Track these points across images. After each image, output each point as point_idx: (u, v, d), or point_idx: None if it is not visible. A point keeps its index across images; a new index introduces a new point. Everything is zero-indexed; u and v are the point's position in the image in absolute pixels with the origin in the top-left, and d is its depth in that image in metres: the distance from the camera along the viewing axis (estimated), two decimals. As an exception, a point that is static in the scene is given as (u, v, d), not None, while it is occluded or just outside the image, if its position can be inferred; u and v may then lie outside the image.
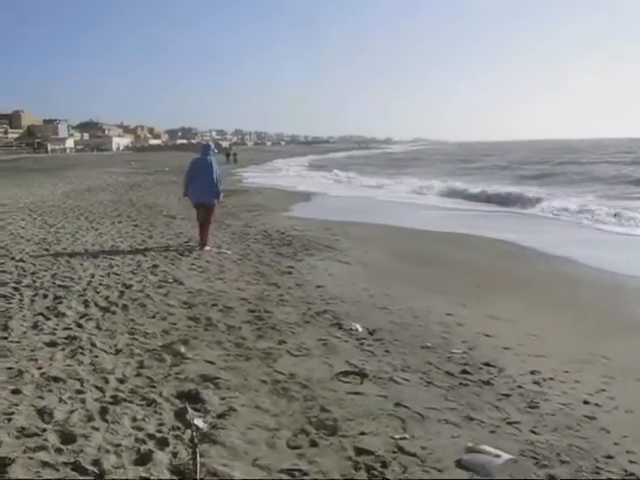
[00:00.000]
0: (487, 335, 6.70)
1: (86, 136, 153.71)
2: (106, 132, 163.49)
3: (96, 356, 5.43)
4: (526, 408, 4.76)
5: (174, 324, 6.56)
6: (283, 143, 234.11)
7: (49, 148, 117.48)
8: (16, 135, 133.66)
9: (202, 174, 11.62)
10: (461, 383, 5.22)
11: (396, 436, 4.15)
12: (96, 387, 4.71)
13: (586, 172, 43.67)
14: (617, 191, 27.38)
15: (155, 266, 9.69)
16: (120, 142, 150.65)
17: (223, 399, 4.62)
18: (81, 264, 9.73)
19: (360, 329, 6.66)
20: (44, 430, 3.91)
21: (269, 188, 30.53)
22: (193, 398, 4.59)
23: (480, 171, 49.99)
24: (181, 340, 5.98)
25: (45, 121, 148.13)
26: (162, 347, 5.75)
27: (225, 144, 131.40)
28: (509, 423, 4.47)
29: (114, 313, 6.91)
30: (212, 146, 12.60)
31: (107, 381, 4.84)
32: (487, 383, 5.24)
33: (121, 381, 4.87)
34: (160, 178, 36.34)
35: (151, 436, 3.94)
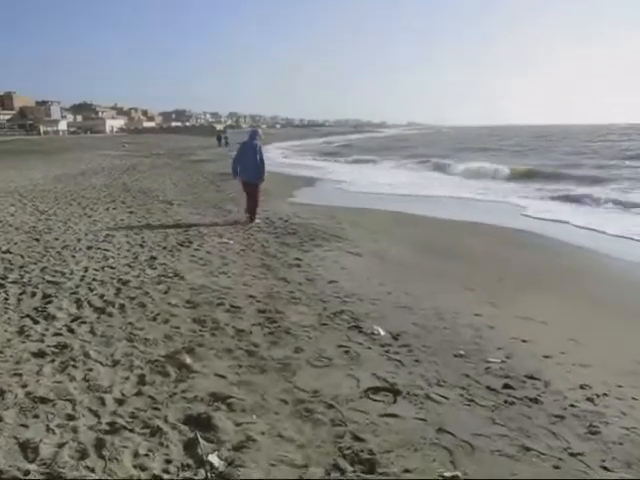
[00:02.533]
0: (523, 340, 6.03)
1: (79, 118, 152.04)
2: (100, 114, 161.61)
3: (90, 369, 4.75)
4: (586, 434, 4.11)
5: (177, 328, 5.89)
6: (278, 126, 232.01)
7: (42, 130, 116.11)
8: (8, 117, 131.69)
9: (248, 156, 12.93)
10: (506, 401, 4.56)
11: (446, 474, 3.51)
12: (90, 411, 4.04)
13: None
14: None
15: (153, 258, 9.00)
16: (114, 124, 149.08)
17: (239, 425, 3.96)
18: (73, 256, 9.03)
19: (382, 332, 6.00)
20: (27, 473, 3.25)
21: (270, 172, 29.72)
22: (204, 424, 3.93)
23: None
24: (186, 348, 5.31)
25: (38, 102, 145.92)
26: (165, 357, 5.07)
27: (219, 127, 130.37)
28: (572, 455, 3.82)
29: (110, 315, 6.22)
30: (259, 132, 13.89)
31: (103, 402, 4.18)
32: (535, 401, 4.58)
33: (120, 402, 4.20)
34: (155, 161, 35.56)
35: (157, 479, 3.28)
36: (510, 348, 5.78)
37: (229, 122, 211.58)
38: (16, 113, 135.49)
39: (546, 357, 5.61)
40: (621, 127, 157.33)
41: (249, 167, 12.92)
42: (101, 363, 4.89)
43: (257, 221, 12.84)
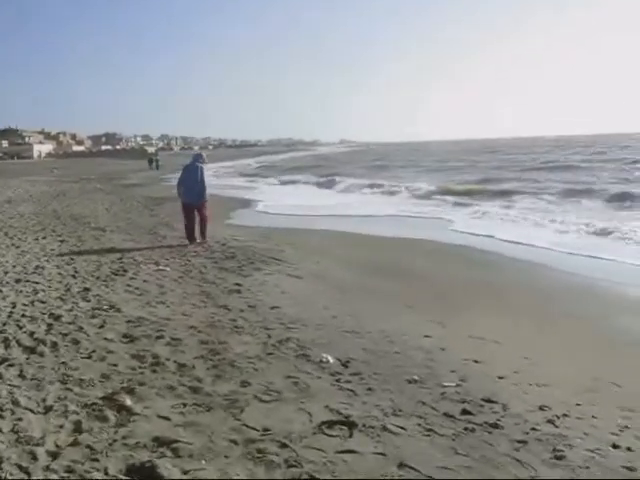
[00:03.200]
0: (476, 361, 5.92)
1: (5, 143, 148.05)
2: (26, 139, 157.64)
3: (19, 419, 4.34)
4: (552, 459, 3.95)
5: (115, 365, 5.52)
6: (210, 147, 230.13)
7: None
8: None
9: (191, 178, 13.13)
10: (466, 428, 4.39)
11: (412, 515, 3.30)
12: (20, 468, 3.66)
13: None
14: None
15: (87, 289, 8.57)
16: (42, 149, 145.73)
17: (186, 472, 3.66)
18: (0, 291, 8.52)
19: (331, 360, 5.78)
20: None
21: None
22: (148, 474, 3.62)
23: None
24: (125, 388, 4.96)
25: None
26: (103, 399, 4.71)
27: (151, 149, 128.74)
28: (541, 483, 3.67)
29: (41, 354, 5.79)
30: (204, 155, 14.16)
31: (35, 456, 3.79)
32: (495, 426, 4.42)
33: (53, 455, 3.82)
34: (86, 186, 34.68)
35: None
36: (464, 370, 5.65)
37: (160, 144, 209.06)
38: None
39: (501, 378, 5.50)
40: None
41: (192, 189, 13.11)
42: (32, 410, 4.49)
43: (207, 240, 13.05)
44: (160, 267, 10.31)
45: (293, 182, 40.26)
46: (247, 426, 4.32)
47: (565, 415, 4.67)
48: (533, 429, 4.40)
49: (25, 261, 10.90)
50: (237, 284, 9.06)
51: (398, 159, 74.06)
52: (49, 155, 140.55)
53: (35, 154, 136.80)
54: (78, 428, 4.21)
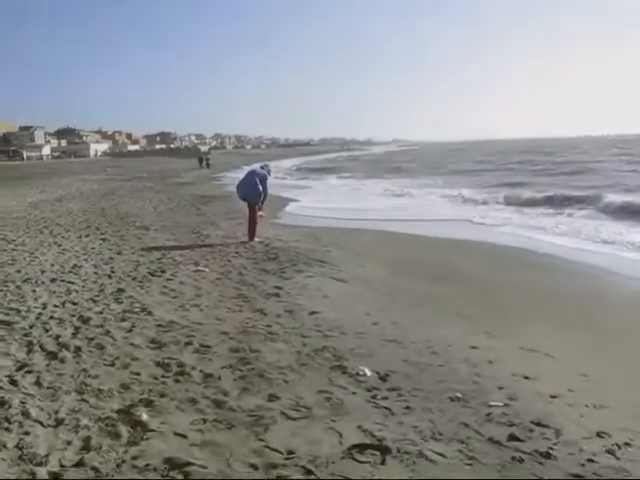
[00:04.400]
0: (526, 377, 5.41)
1: (63, 143, 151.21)
2: (84, 138, 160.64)
3: (27, 432, 4.05)
4: (612, 500, 3.48)
5: (137, 374, 5.21)
6: (263, 146, 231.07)
7: (25, 155, 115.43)
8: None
9: (249, 178, 13.60)
10: (514, 457, 3.91)
11: None
12: (16, 492, 3.35)
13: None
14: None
15: (120, 290, 8.33)
16: (98, 148, 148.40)
17: (196, 502, 3.29)
18: (34, 290, 8.33)
19: (369, 373, 5.35)
20: None
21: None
22: (154, 503, 3.26)
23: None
24: (144, 400, 4.63)
25: (21, 128, 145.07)
26: (118, 413, 4.39)
27: (204, 148, 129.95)
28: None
29: (63, 361, 5.52)
30: (270, 168, 14.39)
31: (34, 478, 3.49)
32: (547, 456, 3.94)
33: (55, 477, 3.51)
34: (136, 185, 34.82)
35: None
36: (513, 387, 5.15)
37: (214, 143, 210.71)
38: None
39: (554, 397, 4.98)
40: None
41: (246, 186, 13.58)
42: (41, 424, 4.19)
43: (256, 240, 13.11)
44: (199, 268, 10.03)
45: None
46: (270, 448, 3.94)
47: (627, 444, 4.14)
48: (590, 460, 3.90)
49: (64, 259, 10.76)
50: (277, 287, 8.70)
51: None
52: (105, 154, 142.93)
53: (92, 153, 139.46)
54: (87, 445, 3.89)
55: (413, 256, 11.92)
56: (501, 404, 4.76)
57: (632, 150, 69.67)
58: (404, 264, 10.96)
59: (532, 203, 21.44)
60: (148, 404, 4.56)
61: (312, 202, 23.73)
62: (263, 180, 13.47)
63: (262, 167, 14.01)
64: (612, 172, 37.63)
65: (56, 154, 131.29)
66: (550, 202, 21.23)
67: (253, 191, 13.41)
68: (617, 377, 5.57)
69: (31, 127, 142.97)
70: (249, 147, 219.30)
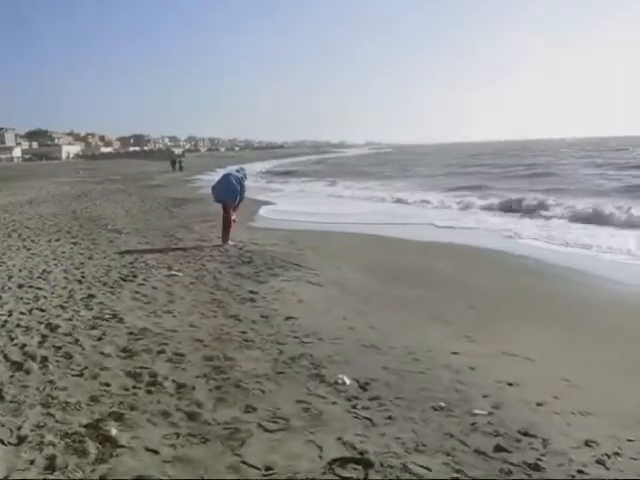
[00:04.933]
0: (510, 384, 5.27)
1: (35, 145, 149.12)
2: (56, 140, 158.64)
3: (-15, 452, 3.82)
4: (605, 514, 3.33)
5: (107, 385, 4.98)
6: (237, 149, 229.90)
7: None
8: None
9: (225, 180, 13.57)
10: (501, 470, 3.76)
11: None
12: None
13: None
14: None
15: (91, 296, 8.07)
16: (70, 150, 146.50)
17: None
18: None
19: (348, 382, 5.18)
20: None
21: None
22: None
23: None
24: (113, 414, 4.40)
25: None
26: (86, 428, 4.16)
27: (178, 151, 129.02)
28: None
29: (28, 372, 5.27)
30: (246, 171, 14.41)
31: (-7, 503, 3.27)
32: (536, 468, 3.79)
33: (15, 501, 3.29)
34: (109, 187, 34.37)
35: None
36: (497, 395, 5.01)
37: (187, 146, 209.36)
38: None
39: (539, 405, 4.84)
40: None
41: (221, 188, 13.47)
42: (2, 442, 3.95)
43: (230, 243, 12.89)
44: (172, 272, 9.79)
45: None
46: (247, 463, 3.76)
47: (616, 454, 4.01)
48: (580, 471, 3.76)
49: (33, 264, 10.46)
50: (252, 291, 8.50)
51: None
52: (77, 156, 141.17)
53: (64, 155, 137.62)
54: (51, 464, 3.67)
55: (388, 259, 11.76)
56: (486, 413, 4.62)
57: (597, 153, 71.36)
58: (379, 267, 10.80)
59: (493, 207, 21.28)
60: (118, 418, 4.34)
61: (286, 205, 23.45)
62: (239, 183, 13.39)
63: (238, 170, 13.95)
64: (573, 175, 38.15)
65: (27, 156, 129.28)
66: (516, 205, 21.07)
67: (229, 193, 13.31)
68: (599, 381, 5.44)
69: (1, 129, 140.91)
70: (223, 149, 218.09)
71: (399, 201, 25.30)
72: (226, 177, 13.64)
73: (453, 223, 17.24)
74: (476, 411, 4.64)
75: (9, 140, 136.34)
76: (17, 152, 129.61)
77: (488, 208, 21.00)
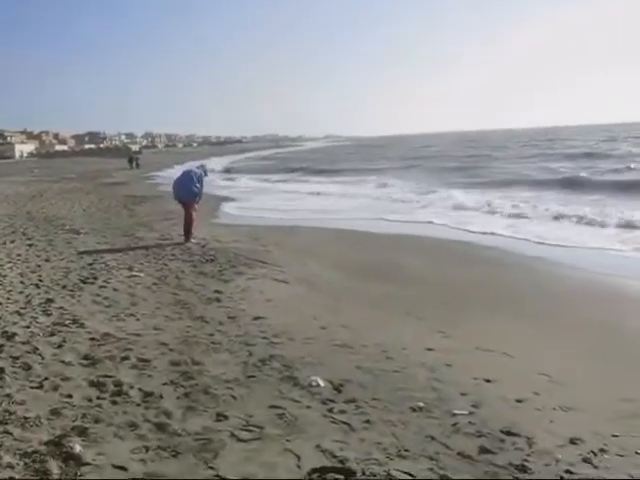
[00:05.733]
0: (488, 380, 5.15)
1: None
2: (8, 139, 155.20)
3: (-64, 477, 3.54)
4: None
5: (69, 397, 4.70)
6: (195, 144, 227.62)
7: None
8: None
9: (185, 178, 13.32)
10: (487, 472, 3.62)
11: None
12: None
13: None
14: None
15: (49, 301, 7.73)
16: (23, 149, 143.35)
17: None
18: (-50, 304, 7.66)
19: (322, 383, 5.00)
20: None
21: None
22: None
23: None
24: (76, 428, 4.14)
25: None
26: (47, 445, 3.89)
27: (135, 147, 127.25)
28: None
29: (-17, 385, 4.98)
30: (207, 168, 14.40)
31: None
32: (523, 469, 3.66)
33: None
34: (65, 186, 33.54)
35: None
36: (475, 393, 4.89)
37: (144, 142, 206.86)
38: None
39: (519, 401, 4.74)
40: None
41: (180, 186, 13.30)
42: (-46, 465, 3.68)
43: (192, 241, 12.69)
44: (134, 273, 9.49)
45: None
46: (222, 477, 3.54)
47: (602, 450, 3.91)
48: (568, 471, 3.65)
49: (-15, 269, 10.03)
50: (217, 291, 8.28)
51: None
52: (31, 155, 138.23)
53: (17, 154, 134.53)
54: (10, 488, 3.39)
55: (355, 253, 11.64)
56: (466, 412, 4.49)
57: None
58: (347, 261, 10.66)
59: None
60: (82, 432, 4.07)
61: (247, 202, 23.14)
62: (199, 180, 13.24)
63: (198, 167, 13.75)
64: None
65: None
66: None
67: (188, 191, 13.15)
68: (579, 375, 5.38)
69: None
70: (180, 145, 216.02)
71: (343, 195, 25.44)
72: (185, 175, 13.45)
73: (407, 217, 17.14)
74: (456, 411, 4.51)
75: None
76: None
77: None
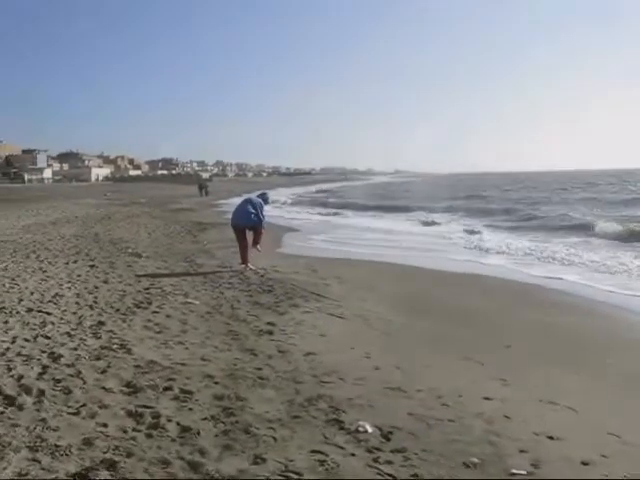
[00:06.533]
0: (550, 437, 4.72)
1: (66, 166, 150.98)
2: (86, 162, 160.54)
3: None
4: None
5: (104, 426, 4.52)
6: (264, 174, 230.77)
7: (26, 178, 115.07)
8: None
9: (244, 205, 13.47)
10: None
11: None
12: None
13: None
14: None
15: (100, 323, 7.66)
16: (99, 172, 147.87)
17: None
18: (6, 322, 7.66)
19: (370, 429, 4.67)
20: None
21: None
22: None
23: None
24: (106, 461, 3.93)
25: (24, 151, 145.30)
26: (73, 477, 3.70)
27: (206, 175, 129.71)
28: None
29: (20, 408, 4.82)
30: (269, 196, 14.51)
31: None
32: None
33: None
34: (134, 210, 34.20)
35: None
36: (536, 450, 4.46)
37: (215, 170, 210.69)
38: (1, 162, 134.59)
39: (585, 464, 4.28)
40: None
41: (239, 214, 13.39)
42: (-24, 494, 3.51)
43: (250, 267, 12.75)
44: (188, 300, 9.36)
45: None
46: (251, 528, 3.25)
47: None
48: None
49: (46, 287, 10.11)
50: (270, 323, 8.04)
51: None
52: (106, 179, 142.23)
53: (93, 177, 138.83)
54: (27, 526, 3.19)
55: (415, 290, 11.26)
56: (524, 472, 4.08)
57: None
58: (407, 299, 10.27)
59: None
60: (111, 466, 3.87)
61: (309, 233, 22.92)
62: (258, 207, 13.28)
63: (259, 196, 13.84)
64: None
65: (57, 178, 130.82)
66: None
67: (244, 218, 13.25)
68: (653, 439, 4.88)
69: (34, 150, 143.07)
70: (250, 175, 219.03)
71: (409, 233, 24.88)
72: (244, 202, 13.59)
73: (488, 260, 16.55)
74: (513, 470, 4.11)
75: (41, 161, 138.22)
76: (48, 173, 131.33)
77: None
